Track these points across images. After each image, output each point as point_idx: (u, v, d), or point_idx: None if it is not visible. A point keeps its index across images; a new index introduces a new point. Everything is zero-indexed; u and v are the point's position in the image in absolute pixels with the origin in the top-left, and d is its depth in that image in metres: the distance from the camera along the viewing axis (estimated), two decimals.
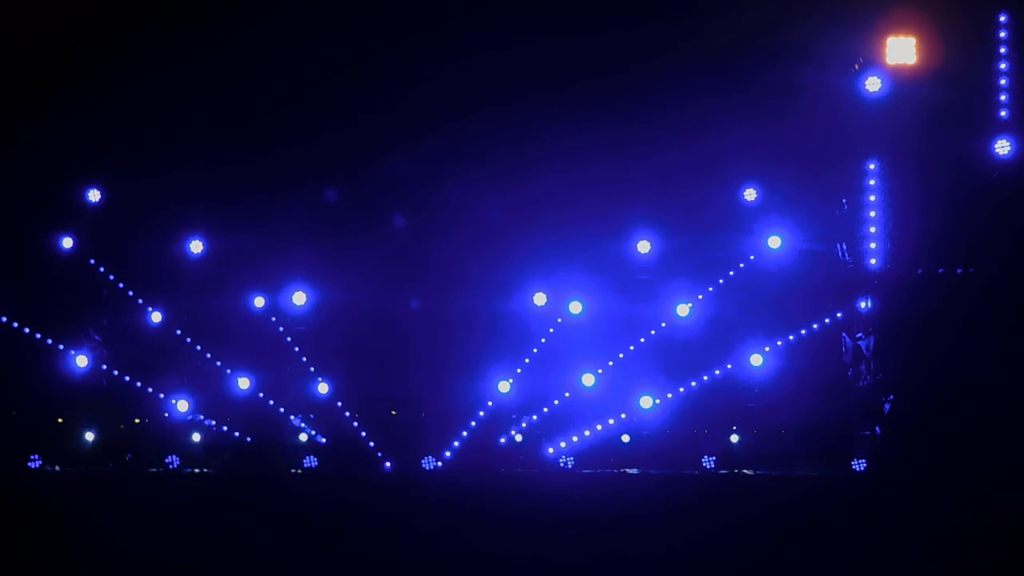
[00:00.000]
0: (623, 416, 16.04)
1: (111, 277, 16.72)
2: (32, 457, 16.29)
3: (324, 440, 16.40)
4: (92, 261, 16.74)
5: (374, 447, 16.33)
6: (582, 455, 16.11)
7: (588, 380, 16.10)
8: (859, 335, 16.13)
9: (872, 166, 16.07)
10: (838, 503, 14.55)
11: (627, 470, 15.98)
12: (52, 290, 16.70)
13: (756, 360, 15.95)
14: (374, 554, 12.92)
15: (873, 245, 16.06)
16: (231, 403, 16.46)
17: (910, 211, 15.96)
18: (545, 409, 16.20)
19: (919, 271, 16.03)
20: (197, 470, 16.30)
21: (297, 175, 16.38)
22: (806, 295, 16.17)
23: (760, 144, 15.88)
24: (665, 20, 15.86)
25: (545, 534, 13.26)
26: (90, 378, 16.52)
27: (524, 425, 16.24)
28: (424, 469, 16.08)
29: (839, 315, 16.13)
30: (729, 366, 16.03)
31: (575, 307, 16.21)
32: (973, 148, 15.80)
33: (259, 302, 16.53)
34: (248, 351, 16.55)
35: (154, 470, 16.26)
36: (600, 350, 16.20)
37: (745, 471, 15.87)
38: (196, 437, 16.50)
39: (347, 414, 16.36)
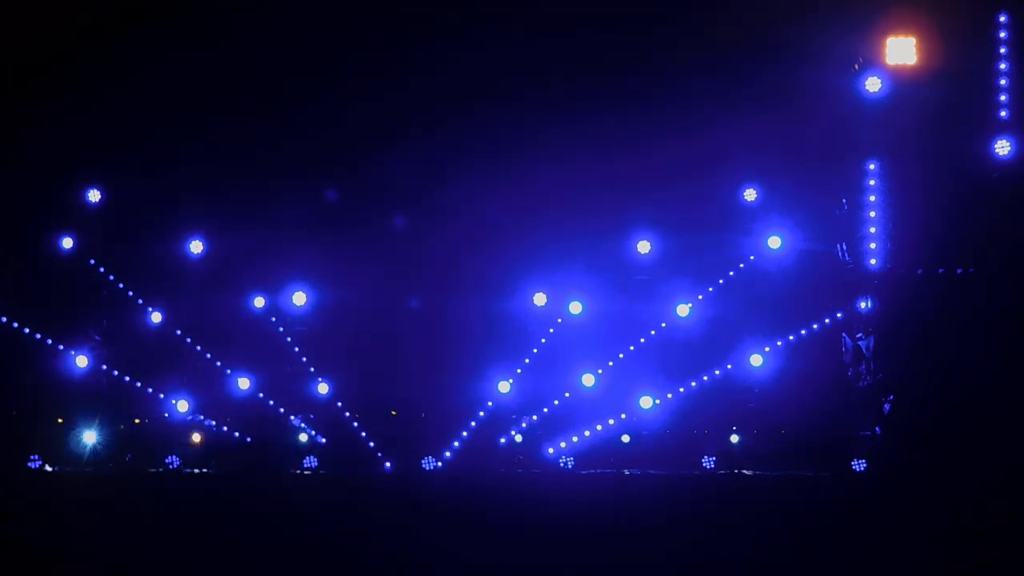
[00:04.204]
0: (623, 416, 16.03)
1: (111, 277, 16.72)
2: (32, 457, 16.28)
3: (324, 440, 16.40)
4: (92, 261, 16.74)
5: (374, 447, 16.33)
6: (582, 455, 16.10)
7: (588, 380, 16.10)
8: (859, 335, 16.13)
9: (872, 166, 16.08)
10: (838, 503, 14.56)
11: (627, 470, 15.98)
12: (52, 290, 16.69)
13: (756, 360, 15.95)
14: (374, 554, 12.92)
15: (873, 245, 16.06)
16: (231, 403, 16.45)
17: (910, 211, 15.96)
18: (545, 409, 16.20)
19: (919, 271, 16.02)
20: (197, 470, 16.30)
21: (297, 175, 16.38)
22: (806, 295, 16.17)
23: (760, 144, 15.88)
24: (665, 19, 15.86)
25: (545, 535, 13.27)
26: (90, 378, 16.52)
27: (524, 425, 16.23)
28: (424, 469, 16.07)
29: (839, 315, 16.13)
30: (729, 366, 16.02)
31: (575, 307, 16.21)
32: (973, 148, 15.80)
33: (259, 302, 16.53)
34: (248, 351, 16.54)
35: (154, 470, 16.25)
36: (600, 350, 16.19)
37: (745, 471, 15.87)
38: (196, 437, 16.48)
39: (347, 414, 16.36)
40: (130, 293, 16.71)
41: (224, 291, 16.55)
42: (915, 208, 15.91)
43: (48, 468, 16.31)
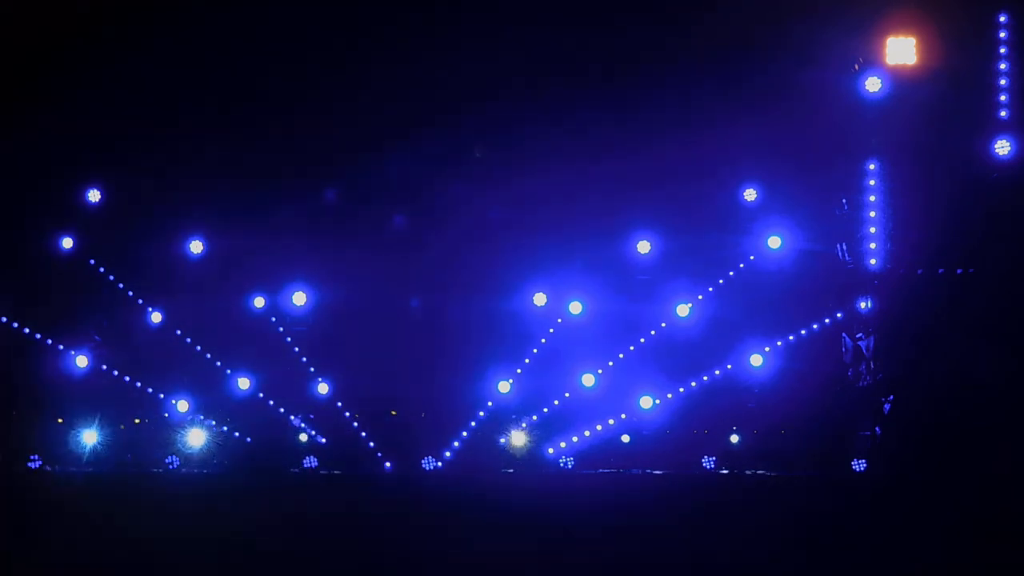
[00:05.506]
0: (623, 416, 16.03)
1: (111, 277, 16.72)
2: (32, 457, 16.29)
3: (324, 440, 16.40)
4: (92, 261, 16.74)
5: (374, 447, 16.33)
6: (582, 455, 16.10)
7: (588, 380, 16.10)
8: (859, 335, 16.14)
9: (872, 166, 16.08)
10: (838, 503, 14.55)
11: (627, 470, 15.98)
12: (52, 290, 16.69)
13: (756, 360, 15.95)
14: (374, 554, 12.91)
15: (873, 245, 16.07)
16: (231, 403, 16.45)
17: (910, 211, 15.96)
18: (545, 409, 16.20)
19: (919, 271, 16.03)
20: (197, 470, 16.30)
21: (297, 175, 16.39)
22: (806, 295, 16.17)
23: (760, 144, 15.88)
24: (665, 19, 15.86)
25: (545, 534, 13.26)
26: (90, 378, 16.51)
27: (524, 425, 16.23)
28: (424, 469, 16.07)
29: (839, 315, 16.13)
30: (729, 366, 16.02)
31: (575, 307, 16.21)
32: (973, 148, 15.80)
33: (259, 302, 16.53)
34: (248, 351, 16.53)
35: (154, 470, 16.25)
36: (600, 350, 16.19)
37: (745, 471, 15.87)
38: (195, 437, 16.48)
39: (347, 414, 16.36)
40: (130, 293, 16.71)
41: (224, 291, 16.55)
42: (915, 208, 15.92)
43: (48, 468, 16.32)
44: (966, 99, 15.82)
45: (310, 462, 16.20)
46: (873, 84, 15.79)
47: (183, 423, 16.40)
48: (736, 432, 16.12)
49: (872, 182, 16.10)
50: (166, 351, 16.58)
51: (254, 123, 16.33)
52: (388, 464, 16.30)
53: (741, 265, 16.18)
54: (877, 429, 15.89)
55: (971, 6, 15.88)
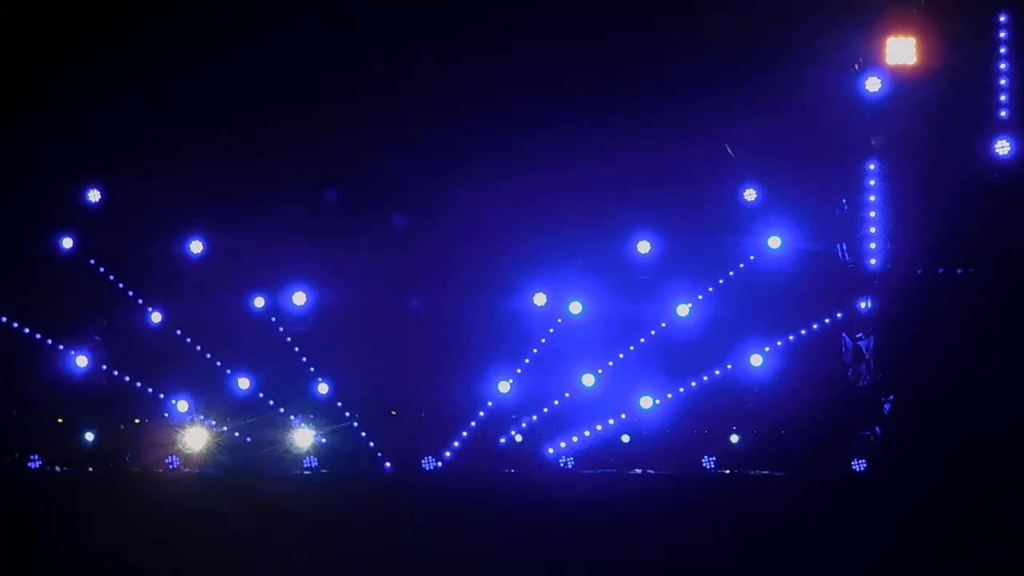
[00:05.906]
0: (623, 416, 16.04)
1: (111, 277, 16.72)
2: (32, 457, 16.29)
3: (324, 440, 16.40)
4: (92, 261, 16.74)
5: (374, 447, 16.33)
6: (582, 455, 16.11)
7: (588, 380, 16.10)
8: (859, 335, 16.14)
9: (872, 166, 16.08)
10: (838, 503, 14.56)
11: (627, 470, 15.98)
12: (52, 290, 16.69)
13: (756, 360, 15.95)
14: (374, 554, 12.91)
15: (873, 245, 16.07)
16: (231, 403, 16.45)
17: (910, 211, 15.97)
18: (545, 409, 16.20)
19: (919, 271, 16.03)
20: (197, 470, 16.30)
21: (297, 175, 16.38)
22: (806, 295, 16.17)
23: (760, 144, 15.89)
24: (665, 19, 15.86)
25: (545, 534, 13.26)
26: (90, 378, 16.52)
27: (524, 425, 16.24)
28: (424, 469, 16.08)
29: (839, 315, 16.14)
30: (729, 366, 16.03)
31: (575, 307, 16.21)
32: (973, 148, 15.81)
33: (259, 302, 16.52)
34: (248, 351, 16.54)
35: (154, 470, 16.25)
36: (600, 350, 16.20)
37: (745, 471, 15.87)
38: (196, 437, 16.48)
39: (347, 414, 16.36)
40: (130, 293, 16.71)
41: (224, 291, 16.55)
42: (915, 208, 15.92)
43: (48, 468, 16.32)
44: (966, 99, 15.82)
45: (310, 462, 16.20)
46: (873, 84, 15.80)
47: (183, 423, 16.41)
48: (736, 432, 16.12)
49: (872, 182, 16.10)
50: (166, 351, 16.58)
51: (254, 123, 16.33)
52: (388, 464, 16.30)
53: (741, 265, 16.18)
54: (877, 429, 15.89)
55: (971, 6, 15.89)
